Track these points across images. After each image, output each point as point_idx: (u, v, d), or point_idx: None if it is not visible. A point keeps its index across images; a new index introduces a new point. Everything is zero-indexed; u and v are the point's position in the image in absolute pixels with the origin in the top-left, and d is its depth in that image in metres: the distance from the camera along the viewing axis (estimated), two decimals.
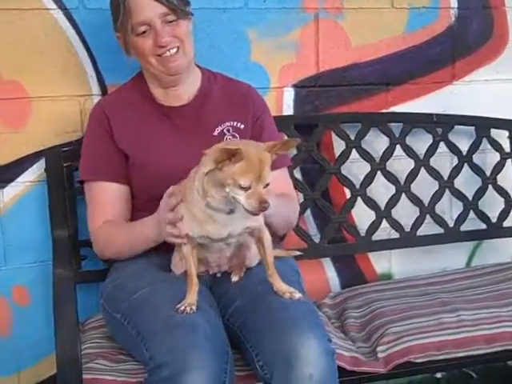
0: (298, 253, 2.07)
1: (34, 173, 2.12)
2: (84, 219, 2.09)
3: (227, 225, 1.63)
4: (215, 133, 1.90)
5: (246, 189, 1.51)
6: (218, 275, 1.82)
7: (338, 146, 2.39)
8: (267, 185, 1.55)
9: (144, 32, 1.82)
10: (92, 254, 2.12)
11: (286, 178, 2.04)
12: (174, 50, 1.85)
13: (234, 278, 1.80)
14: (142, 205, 1.91)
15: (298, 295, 1.69)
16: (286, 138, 2.27)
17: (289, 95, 2.35)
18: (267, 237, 1.71)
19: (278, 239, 2.06)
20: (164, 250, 1.81)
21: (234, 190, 1.53)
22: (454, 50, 2.51)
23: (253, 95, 2.02)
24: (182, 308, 1.61)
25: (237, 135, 1.92)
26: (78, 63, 2.11)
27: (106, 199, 1.89)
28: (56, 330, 1.69)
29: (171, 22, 1.83)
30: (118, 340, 1.86)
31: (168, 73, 1.88)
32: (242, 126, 1.94)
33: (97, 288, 2.12)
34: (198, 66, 2.02)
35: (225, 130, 1.92)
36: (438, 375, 2.57)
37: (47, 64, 2.08)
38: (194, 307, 1.62)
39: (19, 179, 2.11)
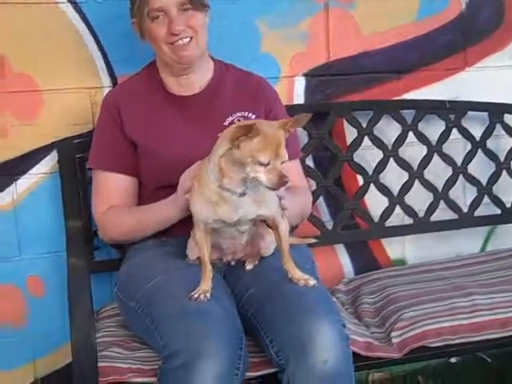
0: (313, 240, 2.04)
1: (47, 164, 2.11)
2: None
3: (238, 208, 1.60)
4: (226, 123, 1.87)
5: (265, 165, 1.49)
6: (233, 263, 1.79)
7: (350, 133, 2.35)
8: (282, 162, 1.52)
9: (158, 17, 1.80)
10: (104, 244, 2.11)
11: (298, 169, 2.01)
12: (187, 39, 1.83)
13: (249, 266, 1.77)
14: (149, 194, 1.89)
15: (312, 282, 1.67)
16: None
17: (300, 84, 2.31)
18: (283, 226, 1.68)
19: (291, 229, 2.01)
20: (179, 236, 1.79)
21: (253, 167, 1.50)
22: (465, 36, 2.45)
23: (264, 86, 1.99)
24: (196, 295, 1.60)
25: None
26: (88, 56, 2.10)
27: (110, 189, 1.88)
28: (71, 319, 1.68)
29: (187, 10, 1.81)
30: (132, 328, 1.84)
31: (179, 61, 1.86)
32: (254, 117, 1.90)
33: (110, 277, 2.13)
34: (211, 57, 2.00)
35: (235, 120, 1.87)
36: (453, 360, 2.51)
37: (58, 57, 2.07)
38: (208, 294, 1.60)
39: (32, 171, 2.10)
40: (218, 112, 1.89)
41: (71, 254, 1.92)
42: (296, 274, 1.68)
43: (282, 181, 1.49)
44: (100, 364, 1.69)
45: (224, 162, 1.55)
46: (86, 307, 1.71)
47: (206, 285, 1.62)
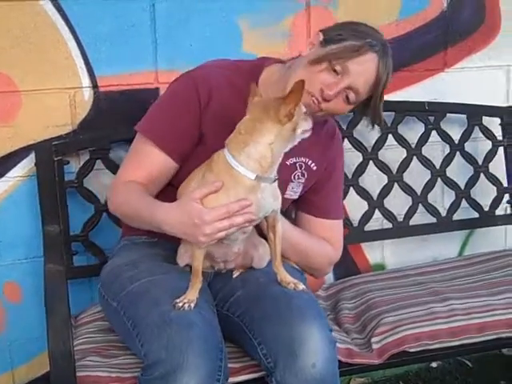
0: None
1: (25, 167, 2.19)
2: (74, 214, 2.20)
3: (265, 200, 1.67)
4: (288, 162, 1.91)
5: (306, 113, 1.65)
6: (223, 271, 1.87)
7: None
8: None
9: (334, 70, 1.80)
10: (83, 250, 2.23)
11: (338, 229, 2.08)
12: (322, 113, 1.86)
13: (236, 274, 1.87)
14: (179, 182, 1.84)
15: (301, 286, 1.77)
16: None
17: None
18: (280, 226, 1.75)
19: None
20: (169, 239, 1.83)
21: (301, 123, 1.65)
22: (446, 36, 2.62)
23: (337, 139, 2.04)
24: (180, 304, 1.66)
25: (306, 174, 1.97)
26: (67, 55, 2.18)
27: (151, 165, 1.85)
28: (48, 326, 1.75)
29: (355, 99, 1.83)
30: (113, 326, 1.93)
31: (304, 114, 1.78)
32: (315, 168, 1.98)
33: (89, 283, 2.23)
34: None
35: (297, 164, 1.95)
36: (434, 365, 2.72)
37: (36, 56, 2.15)
38: (192, 304, 1.66)
39: (9, 174, 2.17)
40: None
41: (48, 260, 2.01)
42: (286, 277, 1.76)
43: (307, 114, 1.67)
44: (78, 374, 1.74)
45: (275, 146, 1.61)
46: (63, 314, 1.78)
47: (192, 294, 1.68)
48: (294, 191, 2.01)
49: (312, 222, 2.05)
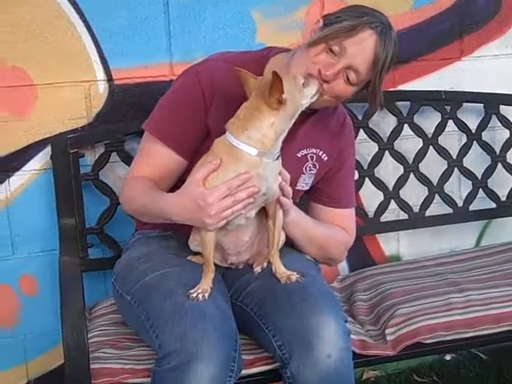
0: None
1: (41, 161, 2.23)
2: (90, 207, 2.24)
3: (267, 177, 1.68)
4: (299, 154, 1.93)
5: (304, 84, 1.67)
6: (241, 266, 1.87)
7: None
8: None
9: (332, 51, 1.80)
10: (98, 242, 2.27)
11: (351, 216, 2.09)
12: (327, 96, 1.84)
13: (257, 269, 1.85)
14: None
15: (294, 277, 1.76)
16: None
17: None
18: (280, 215, 1.77)
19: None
20: (185, 232, 1.87)
21: (303, 94, 1.68)
22: (461, 25, 2.62)
23: (348, 127, 2.03)
24: (195, 295, 1.67)
25: (317, 165, 1.97)
26: (82, 48, 2.21)
27: (161, 164, 1.87)
28: (63, 319, 1.78)
29: (356, 79, 1.81)
30: (126, 320, 1.96)
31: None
32: (326, 158, 1.98)
33: (104, 276, 2.27)
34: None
35: (308, 156, 1.95)
36: (448, 357, 2.73)
37: (51, 50, 2.18)
38: (206, 294, 1.68)
39: (25, 168, 2.21)
40: (297, 140, 1.89)
41: (63, 252, 2.05)
42: (280, 268, 1.77)
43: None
44: (92, 366, 1.77)
45: (276, 126, 1.64)
46: (77, 307, 1.81)
47: (206, 284, 1.69)
48: (306, 183, 2.02)
49: (324, 212, 2.06)
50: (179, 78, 1.98)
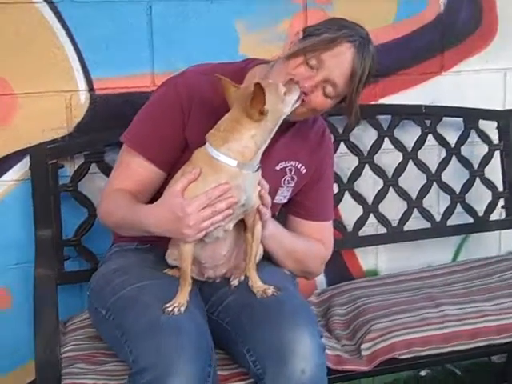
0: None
1: (19, 171, 2.20)
2: (68, 218, 2.22)
3: (246, 188, 1.67)
4: (277, 167, 1.93)
5: (286, 93, 1.68)
6: (218, 280, 1.86)
7: None
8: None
9: (309, 65, 1.80)
10: (75, 254, 2.25)
11: (329, 229, 2.09)
12: (304, 109, 1.83)
13: (234, 282, 1.84)
14: None
15: (270, 291, 1.75)
16: None
17: None
18: (259, 227, 1.77)
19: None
20: (163, 245, 1.86)
21: (285, 102, 1.68)
22: (442, 39, 2.65)
23: (327, 140, 2.03)
24: (170, 309, 1.66)
25: (296, 178, 1.96)
26: (64, 58, 2.19)
27: (139, 176, 1.87)
28: (35, 334, 1.76)
29: (332, 92, 1.82)
30: (101, 335, 1.95)
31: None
32: (305, 171, 1.98)
33: (80, 289, 2.24)
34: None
35: (287, 169, 1.95)
36: (423, 373, 2.74)
37: (33, 59, 2.16)
38: (182, 308, 1.66)
39: (4, 178, 2.18)
40: (275, 153, 1.88)
41: (39, 265, 2.01)
42: (256, 283, 1.76)
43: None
44: (64, 382, 1.75)
45: (257, 137, 1.65)
46: (51, 321, 1.78)
47: (182, 297, 1.68)
48: (284, 195, 2.02)
49: (302, 225, 2.06)
50: (157, 90, 1.98)
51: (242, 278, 1.87)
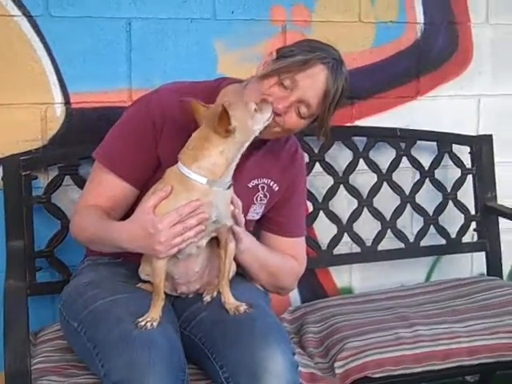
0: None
1: None
2: (40, 229, 2.20)
3: (218, 205, 1.67)
4: (250, 184, 1.93)
5: (256, 110, 1.67)
6: (190, 296, 1.85)
7: None
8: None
9: (283, 85, 1.80)
10: (47, 266, 2.22)
11: (301, 246, 2.09)
12: (278, 129, 1.84)
13: (207, 298, 1.83)
14: None
15: (242, 308, 1.74)
16: None
17: None
18: (233, 245, 1.77)
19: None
20: (135, 259, 1.86)
21: (255, 120, 1.67)
22: (419, 64, 2.68)
23: (299, 158, 2.03)
24: (143, 323, 1.65)
25: (268, 195, 1.96)
26: (41, 71, 2.19)
27: (112, 193, 1.86)
28: (5, 345, 1.73)
29: (305, 113, 1.82)
30: (72, 347, 1.91)
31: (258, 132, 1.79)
32: (277, 189, 1.97)
33: (52, 300, 2.21)
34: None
35: (259, 186, 1.94)
36: None
37: (9, 71, 2.15)
38: (155, 323, 1.65)
39: None
40: (247, 171, 1.88)
41: (9, 276, 1.98)
42: (229, 299, 1.75)
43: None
44: None
45: (227, 153, 1.64)
46: (21, 332, 1.75)
47: (155, 312, 1.67)
48: (257, 212, 2.01)
49: (275, 241, 2.05)
50: (130, 107, 1.97)
51: (215, 294, 1.85)
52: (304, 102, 1.82)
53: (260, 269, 1.97)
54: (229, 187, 1.72)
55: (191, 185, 1.65)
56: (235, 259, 1.87)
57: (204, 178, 1.66)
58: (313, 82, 1.81)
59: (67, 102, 2.23)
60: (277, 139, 1.94)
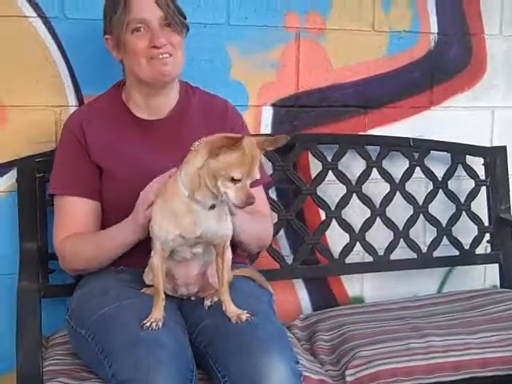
0: (269, 288, 2.05)
1: (6, 183, 2.17)
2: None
3: (202, 223, 1.66)
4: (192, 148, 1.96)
5: (236, 182, 1.55)
6: (193, 298, 1.85)
7: (315, 166, 2.49)
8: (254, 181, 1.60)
9: (139, 30, 1.87)
10: (60, 268, 2.15)
11: (262, 196, 2.10)
12: (167, 55, 1.89)
13: (207, 302, 1.82)
14: (112, 219, 1.94)
15: (244, 316, 1.71)
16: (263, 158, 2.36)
17: (267, 114, 2.45)
18: (228, 253, 1.77)
19: (250, 260, 2.16)
20: (136, 266, 1.87)
21: (224, 182, 1.57)
22: (432, 75, 2.64)
23: (231, 112, 2.05)
24: (148, 324, 1.64)
25: None
26: (55, 73, 2.17)
27: (75, 213, 1.93)
28: (18, 345, 1.71)
29: (168, 27, 1.88)
30: (81, 356, 1.90)
31: (155, 77, 1.92)
32: None
33: (64, 303, 2.14)
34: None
35: None
36: None
37: (24, 73, 2.14)
38: (160, 323, 1.65)
39: None
40: (186, 137, 1.90)
41: (23, 277, 1.96)
42: (230, 307, 1.72)
43: (249, 200, 1.56)
44: None
45: (201, 173, 1.60)
46: (34, 333, 1.74)
47: (157, 313, 1.66)
48: None
49: None
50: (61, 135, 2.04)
51: (216, 298, 1.83)
52: (150, 20, 1.88)
53: (251, 239, 1.96)
54: (211, 208, 1.67)
55: (179, 192, 1.65)
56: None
57: (186, 191, 1.66)
58: (140, 4, 1.89)
59: (81, 105, 2.20)
60: (207, 104, 2.04)
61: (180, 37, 1.92)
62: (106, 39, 1.97)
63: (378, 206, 2.54)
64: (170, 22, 1.88)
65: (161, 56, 1.90)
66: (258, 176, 1.61)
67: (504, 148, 2.68)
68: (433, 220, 2.62)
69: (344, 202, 2.49)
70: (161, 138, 1.99)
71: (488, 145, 2.72)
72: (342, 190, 2.50)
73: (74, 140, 1.94)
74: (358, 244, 2.52)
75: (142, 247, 1.83)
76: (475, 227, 2.66)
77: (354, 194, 2.51)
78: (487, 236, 2.68)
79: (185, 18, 1.97)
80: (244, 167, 1.55)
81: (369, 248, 2.53)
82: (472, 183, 2.66)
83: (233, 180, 1.56)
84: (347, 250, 2.50)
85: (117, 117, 1.98)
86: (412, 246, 2.58)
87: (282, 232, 2.47)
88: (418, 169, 2.59)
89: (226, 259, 1.76)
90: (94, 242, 1.90)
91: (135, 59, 1.92)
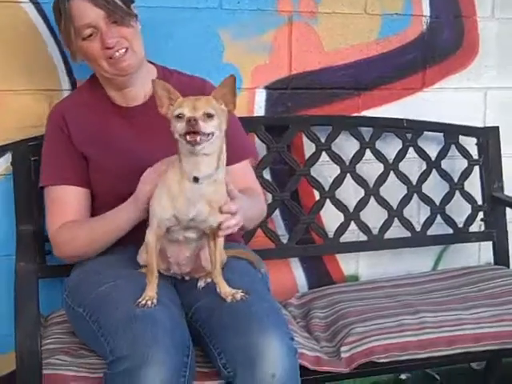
0: (262, 269, 1.99)
1: (1, 166, 2.12)
2: None
3: (195, 203, 1.63)
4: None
5: (180, 118, 1.56)
6: (187, 278, 1.83)
7: (309, 148, 2.43)
8: (209, 115, 1.56)
9: (90, 35, 1.82)
10: None
11: (250, 171, 2.04)
12: (123, 50, 1.83)
13: (200, 283, 1.80)
14: (102, 205, 1.91)
15: (239, 295, 1.69)
16: (255, 138, 2.30)
17: (261, 96, 2.38)
18: (221, 239, 1.72)
19: (245, 240, 2.12)
20: (131, 245, 1.83)
21: (175, 124, 1.57)
22: (424, 57, 2.57)
23: (209, 87, 1.96)
24: (143, 302, 1.63)
25: None
26: (48, 57, 2.12)
27: (67, 201, 1.90)
28: (16, 325, 1.68)
29: (116, 22, 1.82)
30: (79, 334, 1.87)
31: (119, 74, 1.88)
32: None
33: (61, 283, 2.11)
34: (153, 64, 2.02)
35: None
36: (403, 376, 2.61)
37: (16, 57, 2.09)
38: (154, 300, 1.63)
39: None
40: (165, 120, 1.89)
41: (20, 258, 1.92)
42: (224, 288, 1.70)
43: (190, 123, 1.53)
44: (45, 372, 1.70)
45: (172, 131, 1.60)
46: (32, 313, 1.70)
47: (151, 290, 1.65)
48: None
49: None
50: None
51: (209, 280, 1.80)
52: (92, 24, 1.82)
53: (250, 220, 1.91)
54: (194, 181, 1.62)
55: (176, 170, 1.65)
56: None
57: (179, 165, 1.64)
58: (80, 10, 1.82)
59: (74, 89, 2.14)
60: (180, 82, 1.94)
61: (130, 28, 1.85)
62: (64, 44, 1.93)
63: (371, 185, 2.48)
64: (115, 17, 1.82)
65: (117, 54, 1.83)
66: (206, 109, 1.56)
67: (497, 128, 2.60)
68: (426, 199, 2.55)
69: (338, 182, 2.44)
70: (142, 123, 1.93)
71: (481, 125, 2.65)
72: (336, 170, 2.44)
73: (58, 131, 1.91)
74: (352, 223, 2.46)
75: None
76: (469, 206, 2.60)
77: (348, 175, 2.44)
78: (481, 214, 2.62)
79: (132, 3, 1.88)
80: (185, 103, 1.57)
81: (363, 227, 2.47)
82: (465, 163, 2.60)
83: (178, 117, 1.57)
84: (342, 229, 2.44)
85: (98, 105, 1.94)
86: (406, 224, 2.52)
87: (277, 212, 2.41)
88: (411, 149, 2.53)
89: (218, 241, 1.72)
90: (91, 226, 1.87)
91: (95, 63, 1.88)
